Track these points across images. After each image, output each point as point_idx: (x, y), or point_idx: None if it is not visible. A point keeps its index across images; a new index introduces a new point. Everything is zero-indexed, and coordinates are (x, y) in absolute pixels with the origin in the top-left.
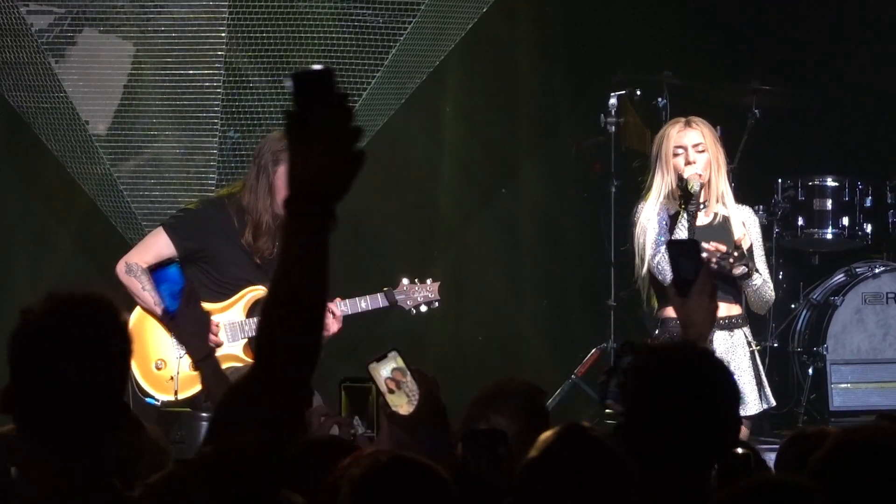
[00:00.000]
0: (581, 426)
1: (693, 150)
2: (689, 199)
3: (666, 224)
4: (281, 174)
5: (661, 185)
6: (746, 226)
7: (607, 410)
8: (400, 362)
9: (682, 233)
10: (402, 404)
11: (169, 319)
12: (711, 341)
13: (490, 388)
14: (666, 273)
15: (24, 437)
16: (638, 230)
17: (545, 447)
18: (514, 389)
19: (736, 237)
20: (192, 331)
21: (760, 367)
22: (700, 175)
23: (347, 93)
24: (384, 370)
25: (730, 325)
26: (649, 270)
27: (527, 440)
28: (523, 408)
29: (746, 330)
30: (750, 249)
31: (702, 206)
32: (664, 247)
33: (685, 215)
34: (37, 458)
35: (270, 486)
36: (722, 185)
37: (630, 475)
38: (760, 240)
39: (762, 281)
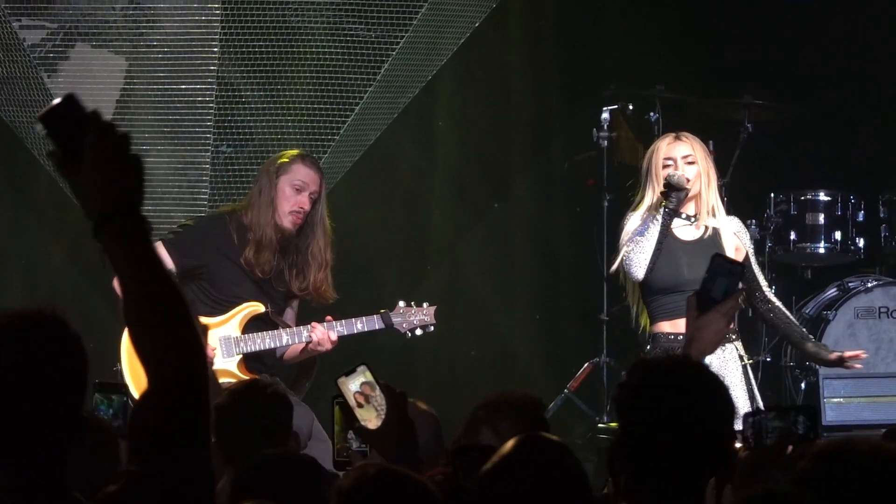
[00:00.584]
0: (540, 436)
1: (682, 160)
2: (670, 193)
3: (649, 222)
4: (281, 187)
5: (651, 198)
6: (739, 236)
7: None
8: (369, 376)
9: (654, 226)
10: (371, 418)
11: None
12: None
13: (492, 397)
14: (633, 267)
15: None
16: (622, 240)
17: (502, 457)
18: (516, 399)
19: (728, 250)
20: None
21: (753, 382)
22: (688, 180)
23: (96, 109)
24: (353, 384)
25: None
26: (637, 281)
27: None
28: (525, 417)
29: (738, 344)
30: (746, 258)
31: (692, 220)
32: (640, 239)
33: (663, 210)
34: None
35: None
36: (712, 198)
37: (587, 482)
38: (753, 250)
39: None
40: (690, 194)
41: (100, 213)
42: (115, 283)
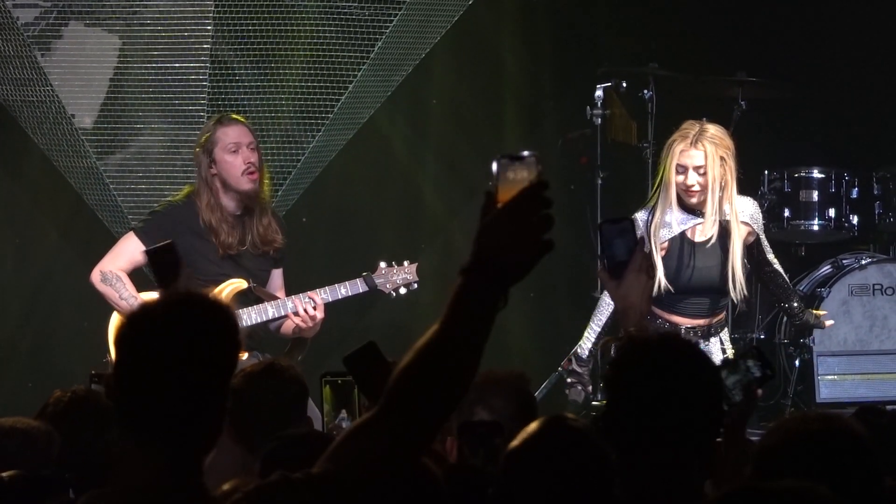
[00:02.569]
0: (564, 418)
1: (693, 171)
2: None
3: (646, 222)
4: (220, 158)
5: (662, 200)
6: (753, 221)
7: None
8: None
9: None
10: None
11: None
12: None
13: (479, 379)
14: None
15: (123, 430)
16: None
17: (527, 438)
18: (503, 377)
19: (738, 241)
20: None
21: None
22: (694, 191)
23: (536, 154)
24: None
25: (707, 333)
26: None
27: (517, 426)
28: (513, 395)
29: (724, 335)
30: (757, 239)
31: (702, 219)
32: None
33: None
34: (131, 453)
35: None
36: (725, 199)
37: (611, 468)
38: (762, 226)
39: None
40: (699, 199)
41: (484, 261)
42: (93, 277)
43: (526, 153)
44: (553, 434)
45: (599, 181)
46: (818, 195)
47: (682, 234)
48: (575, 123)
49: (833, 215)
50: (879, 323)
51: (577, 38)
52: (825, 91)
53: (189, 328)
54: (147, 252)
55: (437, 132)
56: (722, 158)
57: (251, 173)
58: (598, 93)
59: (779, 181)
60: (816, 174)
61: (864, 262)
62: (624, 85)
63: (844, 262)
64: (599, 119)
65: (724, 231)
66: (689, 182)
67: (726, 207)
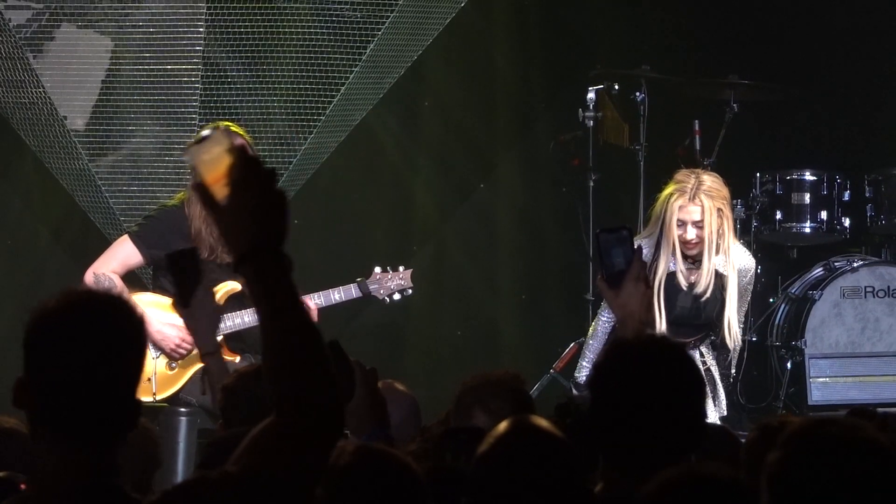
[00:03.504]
0: (530, 419)
1: (692, 226)
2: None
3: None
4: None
5: (664, 254)
6: (735, 271)
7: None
8: None
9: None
10: None
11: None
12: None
13: (477, 380)
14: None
15: (35, 432)
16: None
17: (494, 441)
18: (500, 378)
19: (732, 297)
20: (205, 323)
21: (718, 385)
22: (696, 244)
23: (243, 143)
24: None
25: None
26: None
27: None
28: (511, 394)
29: (704, 349)
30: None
31: (694, 265)
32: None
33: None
34: (45, 455)
35: None
36: (720, 249)
37: (580, 467)
38: (749, 291)
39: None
40: (696, 252)
41: (241, 249)
42: (86, 278)
43: (207, 131)
44: (520, 435)
45: (591, 183)
46: (810, 198)
47: (675, 276)
48: (567, 125)
49: (825, 218)
50: (871, 325)
51: (569, 40)
52: (817, 94)
53: (91, 326)
54: (169, 256)
55: (429, 134)
56: (719, 210)
57: None
58: (591, 95)
59: (770, 184)
60: (808, 177)
61: (855, 264)
62: (616, 87)
63: (836, 264)
64: (592, 121)
65: (720, 282)
66: (689, 237)
67: (721, 257)
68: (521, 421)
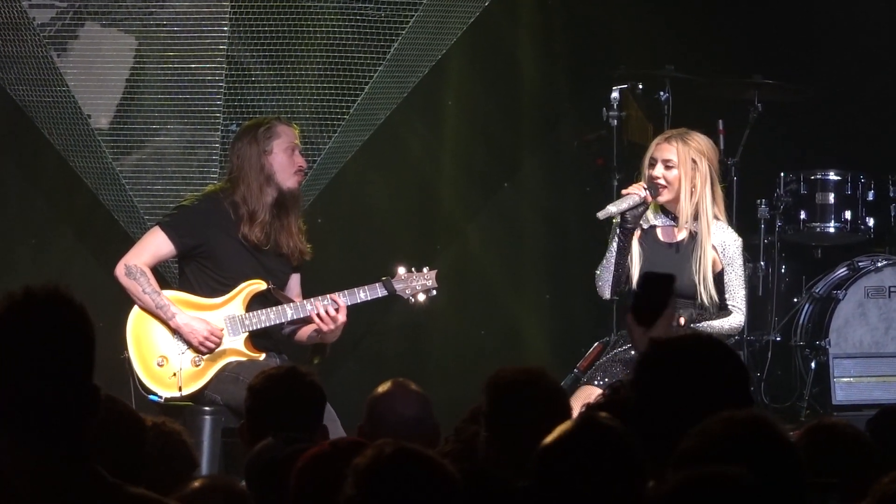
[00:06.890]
0: (598, 416)
1: (661, 164)
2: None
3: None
4: (276, 153)
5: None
6: (721, 249)
7: None
8: None
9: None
10: None
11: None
12: None
13: (510, 373)
14: (600, 288)
15: None
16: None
17: (562, 434)
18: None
19: (705, 261)
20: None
21: None
22: (660, 185)
23: None
24: None
25: None
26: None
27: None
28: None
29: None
30: (720, 275)
31: (674, 223)
32: (608, 255)
33: (617, 230)
34: (10, 445)
35: None
36: (693, 205)
37: (643, 467)
38: (738, 264)
39: (717, 327)
40: (669, 199)
41: None
42: (118, 270)
43: None
44: (588, 430)
45: (615, 183)
46: (834, 197)
47: (653, 230)
48: (591, 125)
49: (849, 217)
50: (895, 325)
51: (593, 39)
52: (841, 93)
53: (29, 323)
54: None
55: (453, 134)
56: (694, 161)
57: (301, 174)
58: (615, 94)
59: (795, 183)
60: (832, 176)
61: (879, 264)
62: (640, 87)
63: (860, 264)
64: (616, 121)
65: (695, 239)
66: (655, 173)
67: (701, 220)
68: (589, 416)
